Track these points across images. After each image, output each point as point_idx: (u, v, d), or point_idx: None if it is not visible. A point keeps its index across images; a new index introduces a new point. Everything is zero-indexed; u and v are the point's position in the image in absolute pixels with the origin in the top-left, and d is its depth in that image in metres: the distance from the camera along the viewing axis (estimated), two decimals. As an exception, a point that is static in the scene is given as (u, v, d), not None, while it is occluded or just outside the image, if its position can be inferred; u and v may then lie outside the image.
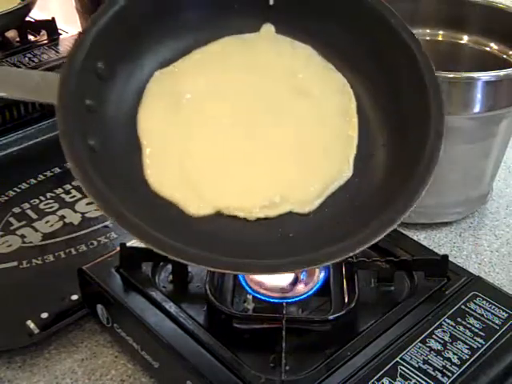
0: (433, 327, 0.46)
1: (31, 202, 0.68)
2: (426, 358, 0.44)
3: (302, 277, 0.51)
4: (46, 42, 0.88)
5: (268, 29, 0.48)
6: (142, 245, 0.53)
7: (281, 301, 0.48)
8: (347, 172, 0.45)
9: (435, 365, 0.44)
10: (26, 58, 0.82)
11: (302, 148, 0.45)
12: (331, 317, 0.47)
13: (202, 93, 0.47)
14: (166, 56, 0.47)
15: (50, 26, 0.90)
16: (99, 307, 0.52)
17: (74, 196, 0.69)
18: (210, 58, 0.48)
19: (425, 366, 0.43)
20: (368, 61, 0.47)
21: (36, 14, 0.93)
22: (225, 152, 0.45)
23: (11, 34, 0.89)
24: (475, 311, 0.48)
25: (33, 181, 0.71)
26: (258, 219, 0.43)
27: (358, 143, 0.46)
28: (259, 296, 0.49)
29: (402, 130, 0.45)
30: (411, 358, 0.44)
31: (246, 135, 0.45)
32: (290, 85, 0.47)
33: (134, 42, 0.45)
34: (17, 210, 0.67)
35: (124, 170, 0.42)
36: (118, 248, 0.52)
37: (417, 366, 0.43)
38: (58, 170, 0.73)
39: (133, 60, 0.45)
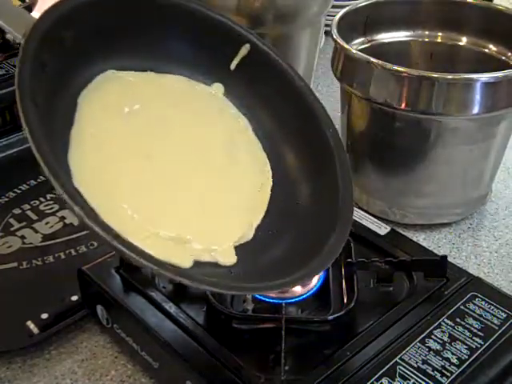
0: (432, 327, 0.47)
1: (31, 203, 0.68)
2: (425, 358, 0.44)
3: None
4: (46, 43, 0.88)
5: (218, 88, 0.53)
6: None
7: (280, 301, 0.48)
8: (249, 235, 0.48)
9: (434, 365, 0.44)
10: (27, 60, 0.82)
11: (213, 205, 0.48)
12: (330, 317, 0.47)
13: (142, 115, 0.49)
14: (128, 64, 0.50)
15: (50, 28, 0.90)
16: (99, 308, 0.52)
17: (74, 197, 0.69)
18: (162, 87, 0.51)
19: (424, 366, 0.44)
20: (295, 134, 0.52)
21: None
22: (147, 192, 0.46)
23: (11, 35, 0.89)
24: (474, 311, 0.48)
25: (33, 182, 0.72)
26: None
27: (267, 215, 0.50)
28: (258, 296, 0.49)
29: (314, 208, 0.49)
30: (410, 358, 0.44)
31: (165, 180, 0.47)
32: (223, 146, 0.51)
33: (105, 35, 0.47)
34: (17, 211, 0.67)
35: (56, 137, 0.43)
36: (118, 249, 0.53)
37: (416, 366, 0.44)
38: (58, 171, 0.73)
39: (97, 48, 0.47)
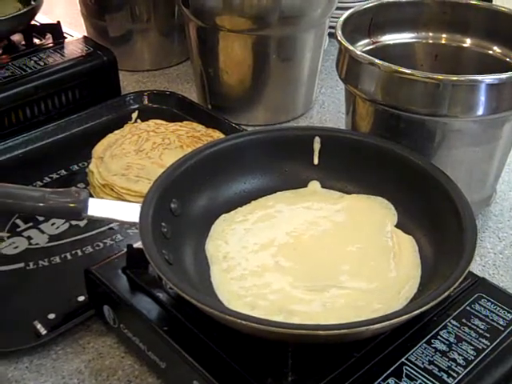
0: (438, 328, 0.47)
1: (37, 204, 0.68)
2: (431, 359, 0.44)
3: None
4: (51, 45, 0.88)
5: (315, 184, 0.59)
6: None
7: (286, 302, 0.48)
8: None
9: (440, 365, 0.44)
10: (32, 62, 0.82)
11: None
12: (337, 318, 0.47)
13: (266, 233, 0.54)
14: (231, 205, 0.57)
15: (55, 30, 0.90)
16: (106, 308, 0.52)
17: (79, 198, 0.69)
18: (265, 207, 0.57)
19: (430, 367, 0.44)
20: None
21: (41, 18, 0.93)
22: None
23: (17, 37, 0.89)
24: (480, 312, 0.48)
25: (39, 183, 0.72)
26: None
27: None
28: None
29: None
30: (417, 358, 0.44)
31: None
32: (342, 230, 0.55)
33: (203, 190, 0.56)
34: (23, 211, 0.67)
35: (195, 278, 0.50)
36: (125, 249, 0.53)
37: (422, 366, 0.44)
38: (64, 172, 0.73)
39: (200, 204, 0.55)
